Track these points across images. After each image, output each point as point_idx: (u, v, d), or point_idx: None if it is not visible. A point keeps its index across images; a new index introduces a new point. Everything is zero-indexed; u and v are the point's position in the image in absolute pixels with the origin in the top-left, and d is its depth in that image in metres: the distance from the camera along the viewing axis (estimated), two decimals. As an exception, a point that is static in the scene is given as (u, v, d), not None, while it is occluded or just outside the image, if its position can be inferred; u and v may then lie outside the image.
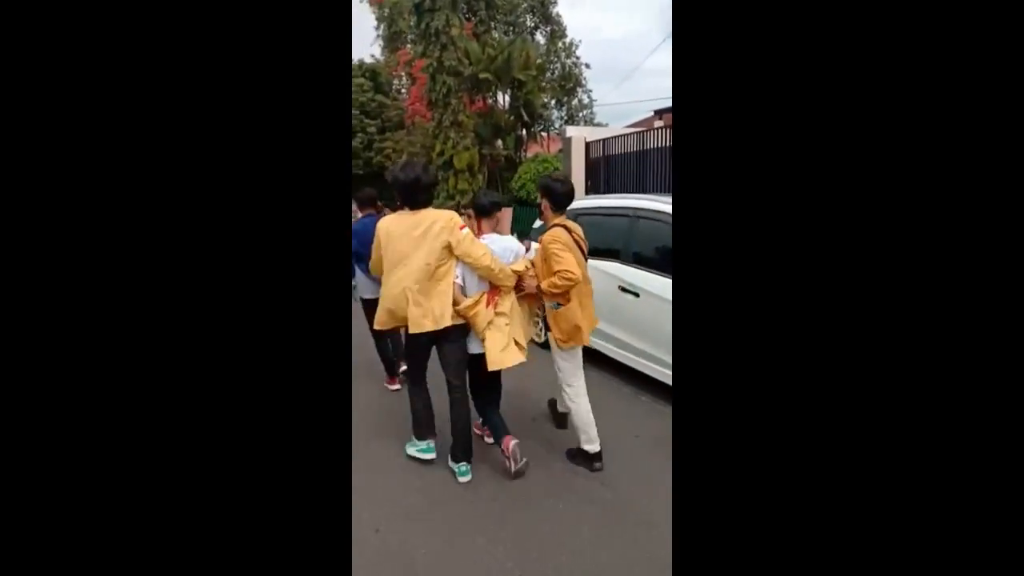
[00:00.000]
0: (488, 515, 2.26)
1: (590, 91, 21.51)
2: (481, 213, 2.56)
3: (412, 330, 2.24)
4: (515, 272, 2.38)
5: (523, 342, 2.44)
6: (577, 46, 20.27)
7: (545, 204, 2.51)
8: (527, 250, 2.66)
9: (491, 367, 2.33)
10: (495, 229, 2.58)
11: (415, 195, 2.26)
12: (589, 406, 2.54)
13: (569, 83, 19.70)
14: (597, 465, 2.52)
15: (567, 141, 9.94)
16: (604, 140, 9.34)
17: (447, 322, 2.26)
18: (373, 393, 3.75)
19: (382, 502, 2.34)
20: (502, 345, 2.33)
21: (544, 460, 2.65)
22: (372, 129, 17.62)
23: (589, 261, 2.76)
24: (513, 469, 2.42)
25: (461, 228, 2.24)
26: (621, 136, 8.97)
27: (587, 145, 9.71)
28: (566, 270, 2.26)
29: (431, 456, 2.59)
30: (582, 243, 2.58)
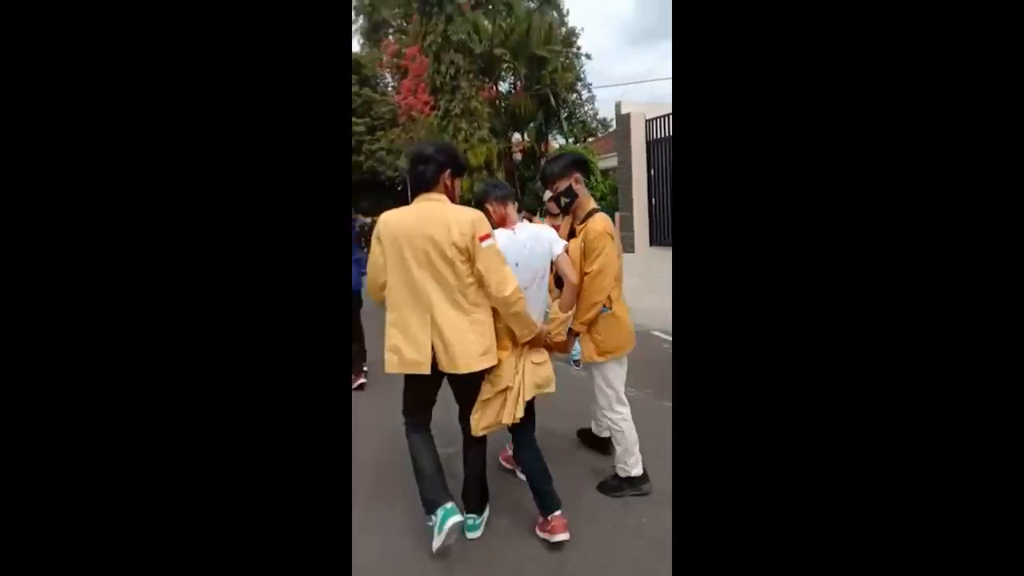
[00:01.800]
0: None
1: (590, 84, 19.20)
2: (504, 198, 2.01)
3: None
4: (544, 326, 1.89)
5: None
6: (579, 35, 17.75)
7: (577, 180, 2.03)
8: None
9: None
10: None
11: (421, 176, 1.75)
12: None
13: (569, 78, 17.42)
14: (646, 487, 2.21)
15: (623, 119, 7.95)
16: (670, 116, 7.36)
17: (475, 366, 1.73)
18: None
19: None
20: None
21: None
22: (360, 128, 15.31)
23: None
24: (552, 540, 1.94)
25: (484, 238, 1.66)
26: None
27: (646, 124, 7.74)
28: (600, 272, 1.91)
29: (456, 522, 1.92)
30: None
